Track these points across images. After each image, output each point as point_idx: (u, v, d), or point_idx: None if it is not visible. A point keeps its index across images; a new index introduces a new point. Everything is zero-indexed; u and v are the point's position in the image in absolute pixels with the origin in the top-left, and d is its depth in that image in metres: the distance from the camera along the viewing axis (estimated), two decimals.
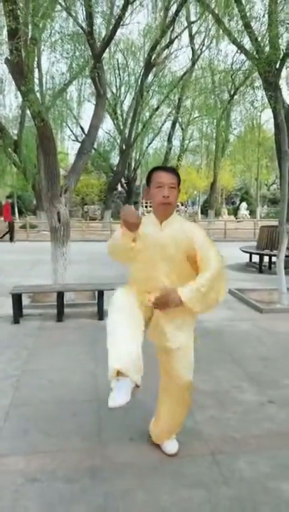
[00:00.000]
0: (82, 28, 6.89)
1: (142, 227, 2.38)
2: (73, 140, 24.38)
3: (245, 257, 10.83)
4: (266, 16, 7.91)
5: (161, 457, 2.65)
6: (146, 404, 3.04)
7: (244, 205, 32.49)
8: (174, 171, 2.45)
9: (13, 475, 2.49)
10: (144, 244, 2.39)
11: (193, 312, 2.40)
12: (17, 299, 5.49)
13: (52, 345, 4.74)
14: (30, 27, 5.79)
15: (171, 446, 2.68)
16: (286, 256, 7.29)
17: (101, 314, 5.61)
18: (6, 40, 5.45)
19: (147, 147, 23.47)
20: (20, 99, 18.06)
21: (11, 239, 16.98)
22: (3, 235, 17.42)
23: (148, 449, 2.73)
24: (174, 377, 2.51)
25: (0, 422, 3.06)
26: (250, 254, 10.61)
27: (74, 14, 7.56)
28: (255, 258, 10.38)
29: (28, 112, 18.41)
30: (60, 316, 5.59)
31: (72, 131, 23.75)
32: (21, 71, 5.38)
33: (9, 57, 5.44)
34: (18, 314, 5.49)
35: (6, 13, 4.89)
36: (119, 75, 23.93)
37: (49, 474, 2.49)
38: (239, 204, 34.32)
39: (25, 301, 6.09)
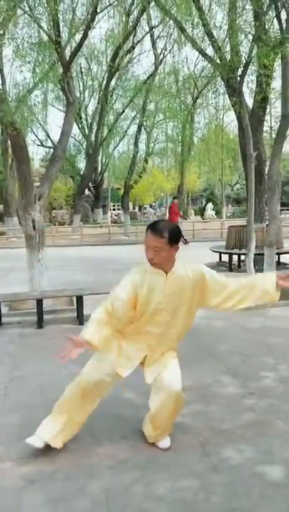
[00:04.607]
0: (49, 36, 6.94)
1: (147, 276, 2.62)
2: (38, 145, 24.22)
3: (215, 257, 11.14)
4: (227, 24, 8.24)
5: (154, 452, 2.80)
6: (134, 403, 3.20)
7: (210, 205, 33.11)
8: (159, 231, 2.51)
9: (13, 478, 2.57)
10: (149, 298, 2.62)
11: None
12: None
13: (35, 351, 4.81)
14: None
15: (164, 441, 2.82)
16: (255, 254, 7.61)
17: (81, 319, 5.70)
18: None
19: (113, 151, 23.61)
20: None
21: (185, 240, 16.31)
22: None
23: (141, 445, 2.87)
24: (166, 388, 2.66)
25: None
26: (220, 253, 10.93)
27: (39, 22, 7.61)
28: (225, 257, 10.70)
29: None
30: (40, 323, 5.65)
31: (36, 136, 23.58)
32: None
33: None
34: None
35: None
36: (83, 79, 24.00)
37: (48, 475, 2.59)
38: (205, 205, 34.93)
39: (3, 309, 6.09)
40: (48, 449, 2.82)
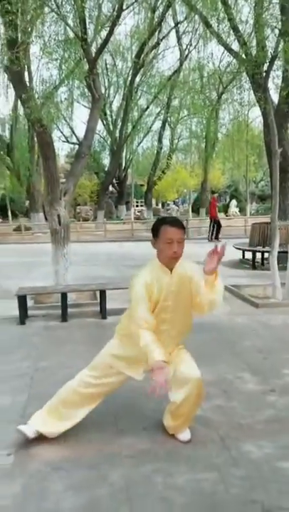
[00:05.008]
0: (75, 34, 7.03)
1: (154, 273, 2.66)
2: (63, 141, 24.51)
3: (239, 254, 11.08)
4: (253, 18, 8.15)
5: (174, 444, 2.85)
6: (154, 397, 3.24)
7: (234, 202, 32.77)
8: (181, 224, 2.67)
9: (38, 464, 2.67)
10: (159, 295, 2.65)
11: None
12: (23, 300, 5.65)
13: (59, 344, 4.92)
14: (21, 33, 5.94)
15: (184, 434, 2.88)
16: (278, 252, 7.54)
17: (104, 313, 5.80)
18: (5, 49, 5.58)
19: (137, 147, 23.68)
20: (11, 102, 18.15)
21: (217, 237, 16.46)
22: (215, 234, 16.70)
23: (161, 437, 2.93)
24: (187, 378, 2.72)
25: (18, 418, 3.23)
26: (243, 251, 10.86)
27: (66, 19, 7.70)
28: (248, 255, 10.63)
29: (20, 113, 18.50)
30: (64, 316, 5.77)
31: (62, 132, 23.87)
32: (21, 79, 5.54)
33: (8, 66, 5.58)
34: (23, 315, 5.66)
35: (6, 23, 5.04)
36: (108, 75, 24.09)
37: (72, 463, 2.68)
38: (229, 201, 34.59)
39: (29, 302, 6.24)
40: (70, 438, 2.91)
